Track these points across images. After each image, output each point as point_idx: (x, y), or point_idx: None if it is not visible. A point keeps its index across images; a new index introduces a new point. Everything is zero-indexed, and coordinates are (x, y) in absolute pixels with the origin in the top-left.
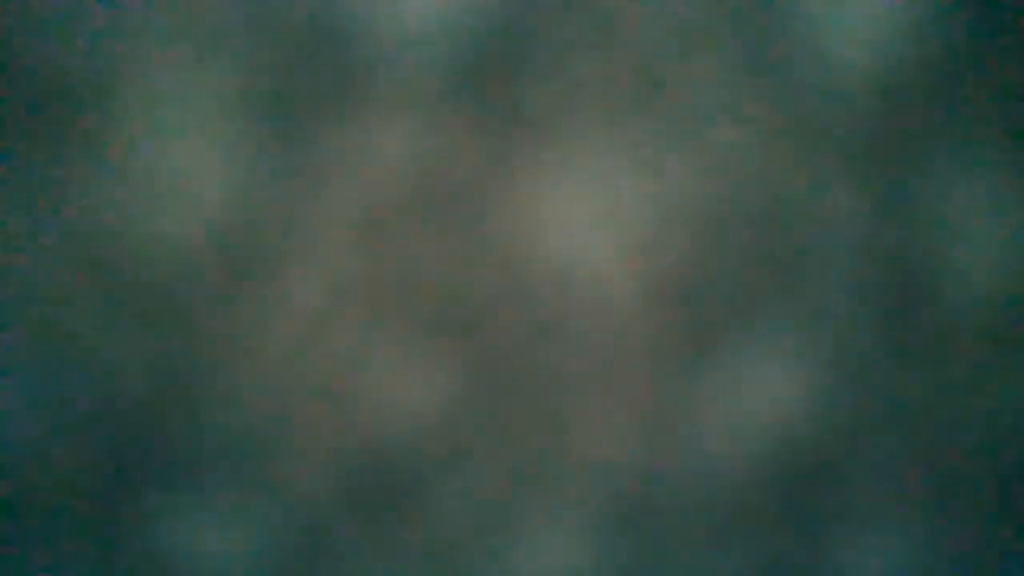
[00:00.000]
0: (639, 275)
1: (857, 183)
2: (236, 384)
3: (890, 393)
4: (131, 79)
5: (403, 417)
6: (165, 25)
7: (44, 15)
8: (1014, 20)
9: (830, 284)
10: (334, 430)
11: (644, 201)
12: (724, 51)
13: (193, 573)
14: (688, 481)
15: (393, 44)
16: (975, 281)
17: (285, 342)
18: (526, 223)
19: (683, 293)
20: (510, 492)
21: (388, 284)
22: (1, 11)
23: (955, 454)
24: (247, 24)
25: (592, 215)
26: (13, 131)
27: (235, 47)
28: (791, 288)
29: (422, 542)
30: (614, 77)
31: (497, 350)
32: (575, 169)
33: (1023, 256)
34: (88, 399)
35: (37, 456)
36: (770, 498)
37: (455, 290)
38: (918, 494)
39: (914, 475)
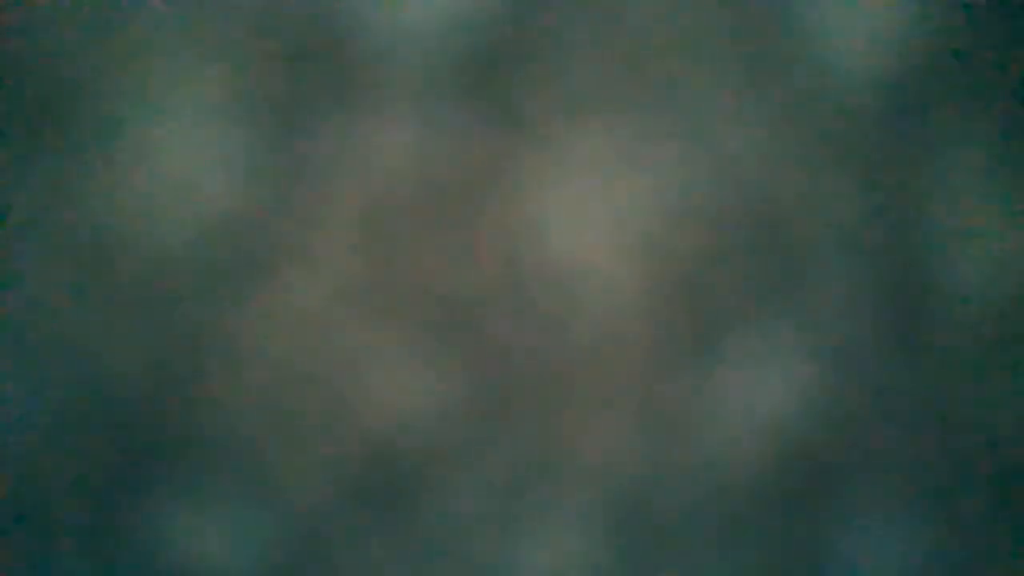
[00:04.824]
0: (639, 275)
1: (858, 183)
2: (236, 384)
3: (891, 393)
4: (131, 79)
5: (404, 417)
6: (165, 25)
7: (44, 15)
8: (1015, 22)
9: (831, 284)
10: (335, 430)
11: (645, 201)
12: (725, 51)
13: (193, 574)
14: (688, 481)
15: (393, 43)
16: (976, 281)
17: (285, 342)
18: (526, 223)
19: (683, 293)
20: (511, 492)
21: (389, 284)
22: (1, 12)
23: (956, 454)
24: (247, 24)
25: (592, 215)
26: (13, 131)
27: (235, 47)
28: (791, 288)
29: (423, 543)
30: (615, 77)
31: (498, 350)
32: (576, 169)
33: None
34: (88, 399)
35: (36, 457)
36: (770, 497)
37: (455, 289)
38: (919, 494)
39: (915, 475)
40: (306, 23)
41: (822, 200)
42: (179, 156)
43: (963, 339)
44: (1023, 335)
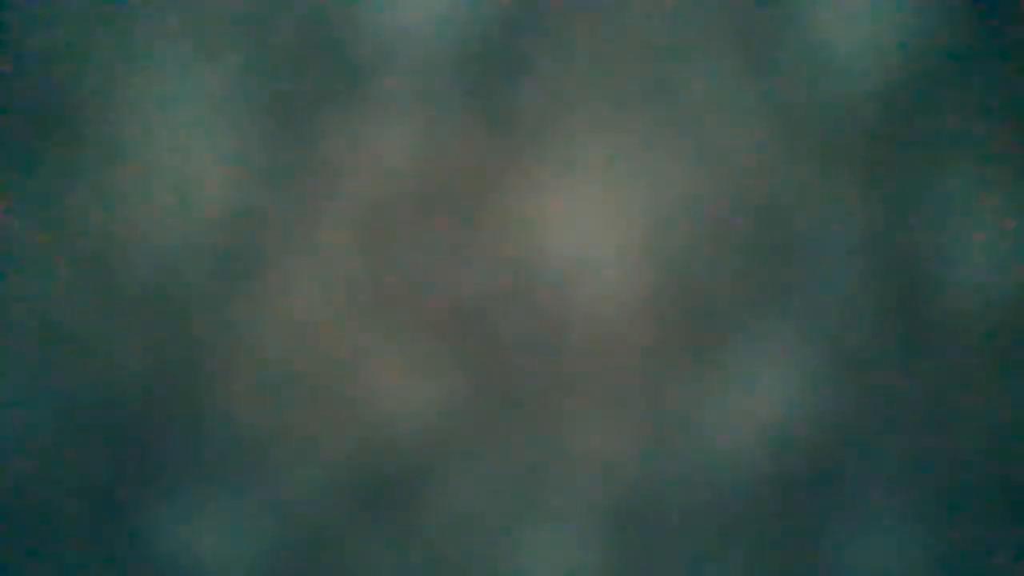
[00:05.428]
0: (639, 275)
1: (858, 183)
2: (236, 385)
3: (890, 393)
4: (131, 78)
5: (404, 418)
6: (165, 25)
7: (44, 15)
8: (1016, 25)
9: (830, 285)
10: (334, 431)
11: (644, 201)
12: (725, 51)
13: (193, 574)
14: (688, 481)
15: (393, 43)
16: (976, 282)
17: (285, 342)
18: (526, 223)
19: (683, 293)
20: (511, 493)
21: (388, 284)
22: (1, 12)
23: (955, 454)
24: (247, 24)
25: (592, 215)
26: (13, 131)
27: (235, 47)
28: (791, 289)
29: (423, 544)
30: (615, 77)
31: (497, 350)
32: (575, 169)
33: None
34: (87, 400)
35: (35, 458)
36: (770, 498)
37: (455, 290)
38: (918, 494)
39: (914, 475)
40: (306, 23)
41: (822, 200)
42: (179, 156)
43: (963, 339)
44: (1023, 335)
